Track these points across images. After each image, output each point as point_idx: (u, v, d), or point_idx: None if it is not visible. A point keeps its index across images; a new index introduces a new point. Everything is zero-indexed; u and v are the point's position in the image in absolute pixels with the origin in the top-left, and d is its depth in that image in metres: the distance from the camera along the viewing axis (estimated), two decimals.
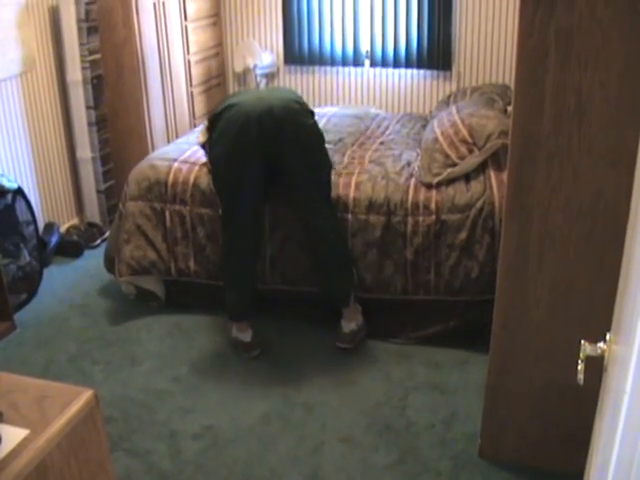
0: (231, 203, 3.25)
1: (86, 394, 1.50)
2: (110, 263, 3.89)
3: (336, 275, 3.39)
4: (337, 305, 3.45)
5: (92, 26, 4.46)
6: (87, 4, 4.39)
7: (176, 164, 3.77)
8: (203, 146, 3.36)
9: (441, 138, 3.55)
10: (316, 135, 3.30)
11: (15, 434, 1.38)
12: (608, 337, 1.41)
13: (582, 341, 1.41)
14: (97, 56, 4.56)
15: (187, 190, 3.64)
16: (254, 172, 3.18)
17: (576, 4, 2.00)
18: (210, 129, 3.25)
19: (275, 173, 3.27)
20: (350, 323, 3.42)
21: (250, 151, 3.13)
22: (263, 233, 3.47)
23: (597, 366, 1.44)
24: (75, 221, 4.92)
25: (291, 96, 3.30)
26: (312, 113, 3.33)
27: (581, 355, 1.40)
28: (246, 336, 3.40)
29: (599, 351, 1.39)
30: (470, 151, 3.42)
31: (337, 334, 3.44)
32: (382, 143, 4.17)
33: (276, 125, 3.12)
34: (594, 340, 1.43)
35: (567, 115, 2.12)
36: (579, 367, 1.39)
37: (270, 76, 5.91)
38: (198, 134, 3.32)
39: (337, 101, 5.78)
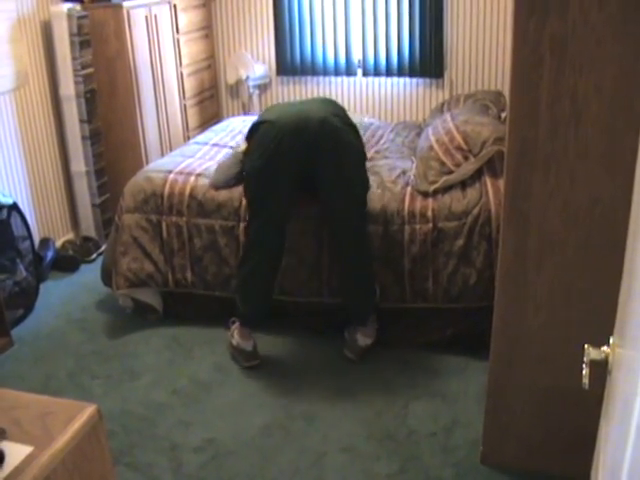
0: (259, 215, 3.25)
1: (89, 409, 1.50)
2: (107, 276, 3.88)
3: (360, 292, 3.39)
4: (357, 320, 3.44)
5: (84, 40, 4.46)
6: (79, 18, 4.39)
7: (172, 175, 3.77)
8: (244, 154, 3.37)
9: (436, 146, 3.56)
10: (354, 152, 3.28)
11: (19, 451, 1.37)
12: (612, 341, 1.41)
13: (586, 345, 1.40)
14: (90, 70, 4.56)
15: (183, 201, 3.64)
16: (284, 188, 3.20)
17: (570, 10, 2.01)
18: (249, 139, 3.28)
19: (308, 187, 3.28)
20: (367, 338, 3.42)
21: (283, 167, 3.15)
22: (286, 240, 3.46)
23: (599, 370, 1.44)
24: (70, 235, 4.91)
25: (331, 109, 3.27)
26: (354, 127, 3.30)
27: (585, 359, 1.40)
28: (248, 345, 3.39)
29: (603, 355, 1.39)
30: (465, 158, 3.43)
31: (348, 344, 3.44)
32: (377, 152, 4.18)
33: (312, 142, 3.12)
34: (594, 344, 1.43)
35: (563, 120, 2.12)
36: (584, 371, 1.39)
37: (263, 87, 5.92)
38: (240, 143, 3.38)
39: None
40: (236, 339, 3.43)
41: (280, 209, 3.26)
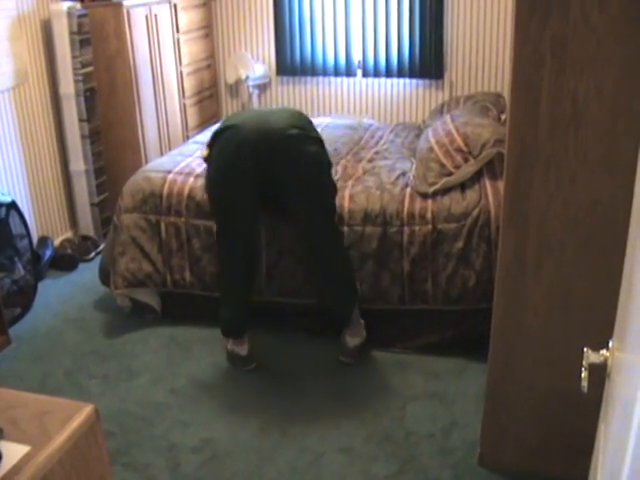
0: (224, 222, 3.23)
1: (87, 409, 1.49)
2: (105, 276, 3.87)
3: (338, 293, 3.37)
4: (340, 322, 3.43)
5: (84, 39, 4.46)
6: (79, 17, 4.39)
7: (171, 175, 3.77)
8: (205, 160, 3.29)
9: (436, 147, 3.55)
10: (317, 163, 3.21)
11: (16, 450, 1.37)
12: (611, 344, 1.41)
13: (585, 348, 1.40)
14: (90, 69, 4.56)
15: (182, 201, 3.64)
16: (247, 196, 3.16)
17: (570, 11, 2.01)
18: (211, 146, 3.20)
19: (273, 196, 3.25)
20: (354, 338, 3.41)
21: (244, 176, 3.11)
22: (259, 247, 3.46)
23: (597, 373, 1.44)
24: (69, 234, 4.90)
25: (293, 121, 3.20)
26: (317, 139, 3.24)
27: (584, 363, 1.39)
28: (242, 349, 3.38)
29: (602, 358, 1.39)
30: (465, 160, 3.43)
31: (341, 348, 3.43)
32: (376, 153, 4.17)
33: (271, 152, 3.09)
34: (594, 347, 1.43)
35: (563, 122, 2.12)
36: (583, 375, 1.38)
37: (262, 87, 5.92)
38: (202, 148, 3.29)
39: (330, 111, 5.79)
40: (231, 344, 3.41)
41: (246, 216, 3.22)
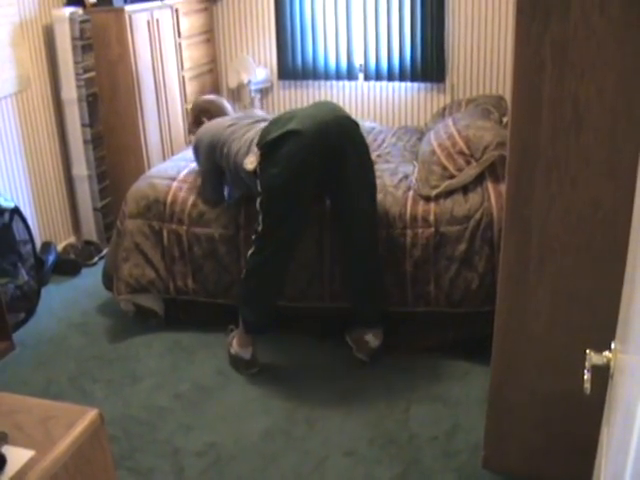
0: (278, 229, 3.20)
1: (91, 413, 1.50)
2: (109, 281, 3.88)
3: (375, 294, 3.40)
4: (369, 323, 3.43)
5: (86, 44, 4.47)
6: (81, 22, 4.40)
7: (175, 183, 3.78)
8: (255, 173, 3.21)
9: (438, 150, 3.56)
10: (367, 147, 3.34)
11: (20, 455, 1.37)
12: (613, 346, 1.41)
13: (588, 350, 1.40)
14: (92, 74, 4.57)
15: (185, 210, 3.64)
16: (308, 199, 3.22)
17: (571, 14, 2.01)
18: (263, 155, 3.15)
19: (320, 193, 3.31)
20: (377, 339, 3.42)
21: (309, 177, 3.15)
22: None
23: (600, 375, 1.44)
24: (72, 239, 4.91)
25: (342, 112, 3.30)
26: (357, 124, 3.31)
27: (587, 364, 1.39)
28: (247, 353, 3.38)
29: (605, 360, 1.39)
30: (467, 163, 3.43)
31: (359, 346, 3.43)
32: (379, 156, 4.18)
33: (336, 146, 3.14)
34: (596, 349, 1.43)
35: (564, 125, 2.12)
36: (585, 376, 1.39)
37: (264, 91, 5.93)
38: (248, 161, 3.20)
39: None
40: (234, 348, 3.42)
41: (301, 221, 3.26)
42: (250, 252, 3.28)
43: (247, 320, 3.37)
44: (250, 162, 3.19)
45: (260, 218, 3.18)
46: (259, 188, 3.15)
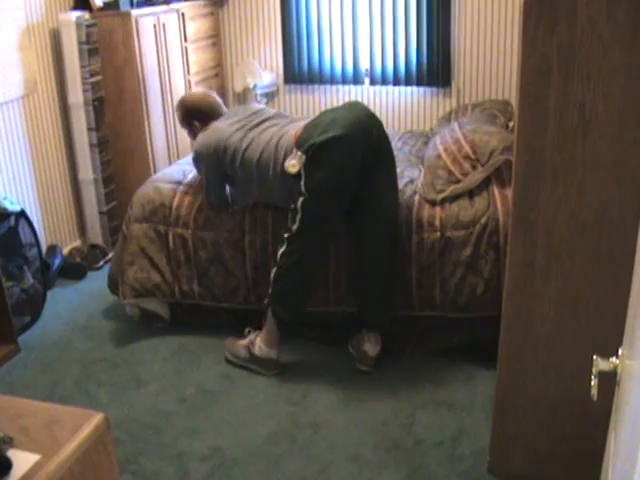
0: (320, 223, 3.23)
1: (96, 417, 1.49)
2: (114, 285, 3.88)
3: (388, 297, 3.42)
4: (374, 328, 3.43)
5: (93, 48, 4.48)
6: (88, 26, 4.41)
7: (181, 187, 3.77)
8: (297, 175, 3.21)
9: (444, 155, 3.55)
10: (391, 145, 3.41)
11: (26, 459, 1.37)
12: (620, 352, 1.41)
13: (595, 356, 1.40)
14: (98, 78, 4.58)
15: (190, 214, 3.64)
16: (347, 201, 3.24)
17: (577, 20, 2.01)
18: (308, 159, 3.15)
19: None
20: (376, 347, 3.41)
21: (351, 180, 3.19)
22: (270, 255, 3.47)
23: (606, 380, 1.44)
24: (78, 243, 4.92)
25: (373, 113, 3.37)
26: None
27: (594, 370, 1.39)
28: (274, 353, 3.40)
29: (611, 366, 1.39)
30: (473, 167, 3.43)
31: (359, 357, 3.42)
32: None
33: (375, 148, 3.22)
34: (603, 354, 1.43)
35: (571, 130, 2.12)
36: (592, 382, 1.38)
37: (270, 95, 5.93)
38: (290, 165, 3.20)
39: None
40: (261, 348, 3.39)
41: (338, 223, 3.32)
42: (282, 250, 3.26)
43: (280, 318, 3.37)
44: (292, 165, 3.19)
45: (298, 217, 3.19)
46: (303, 189, 3.15)
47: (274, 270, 3.31)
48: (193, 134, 3.78)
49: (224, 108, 3.86)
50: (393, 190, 3.40)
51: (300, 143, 3.20)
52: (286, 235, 3.23)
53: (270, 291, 3.34)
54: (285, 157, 3.24)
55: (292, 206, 3.20)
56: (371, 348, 3.40)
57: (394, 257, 3.39)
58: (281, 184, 3.31)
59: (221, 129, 3.54)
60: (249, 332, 3.51)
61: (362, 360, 3.41)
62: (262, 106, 3.91)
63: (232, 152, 3.42)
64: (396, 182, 3.43)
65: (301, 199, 3.15)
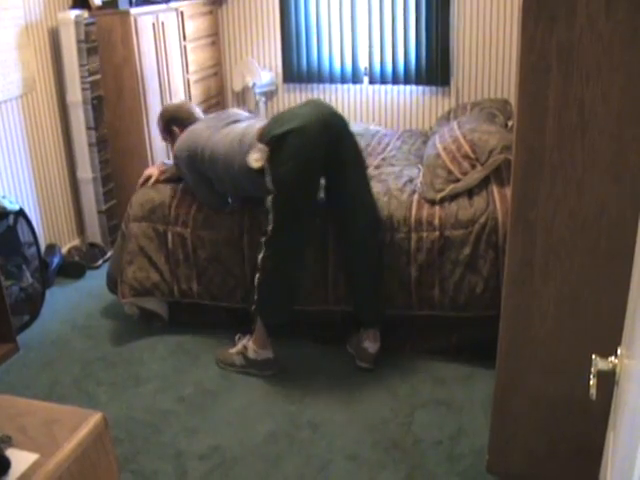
0: (291, 225, 3.22)
1: (95, 417, 1.50)
2: (113, 284, 3.87)
3: (374, 294, 3.42)
4: (370, 324, 3.43)
5: (92, 47, 4.48)
6: (86, 25, 4.41)
7: (181, 186, 3.77)
8: (261, 171, 3.21)
9: (443, 154, 3.55)
10: (358, 142, 3.40)
11: (25, 458, 1.37)
12: (619, 351, 1.40)
13: (593, 355, 1.40)
14: (97, 77, 4.58)
15: (190, 212, 3.64)
16: (316, 191, 3.26)
17: (577, 19, 2.01)
18: (271, 151, 3.16)
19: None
20: (375, 344, 3.42)
21: (317, 171, 3.21)
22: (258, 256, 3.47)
23: (605, 380, 1.44)
24: (76, 242, 4.92)
25: (335, 110, 3.38)
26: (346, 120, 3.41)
27: (593, 369, 1.39)
28: (270, 352, 3.40)
29: (610, 365, 1.39)
30: (473, 166, 3.43)
31: (359, 354, 3.43)
32: (383, 160, 4.18)
33: (336, 140, 3.21)
34: (602, 354, 1.43)
35: (570, 129, 2.12)
36: (591, 382, 1.38)
37: (269, 94, 5.93)
38: (252, 159, 3.21)
39: None
40: (255, 352, 3.39)
41: (312, 218, 3.30)
42: (262, 255, 3.26)
43: (268, 323, 3.38)
44: (255, 159, 3.20)
45: (271, 217, 3.18)
46: (270, 186, 3.15)
47: (257, 276, 3.31)
48: (173, 142, 3.80)
49: (202, 115, 3.92)
50: (366, 188, 3.40)
51: (262, 136, 3.21)
52: (263, 239, 3.24)
53: (255, 297, 3.35)
54: (248, 152, 3.25)
55: (265, 207, 3.21)
56: (370, 345, 3.40)
57: (379, 254, 3.39)
58: (247, 179, 3.32)
59: (194, 130, 3.60)
60: (239, 338, 3.50)
61: (362, 357, 3.41)
62: (240, 111, 3.96)
63: (201, 150, 3.46)
64: (367, 180, 3.42)
65: (270, 197, 3.17)
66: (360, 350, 3.42)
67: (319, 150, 3.15)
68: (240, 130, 3.41)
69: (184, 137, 3.61)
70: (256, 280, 3.32)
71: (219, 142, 3.41)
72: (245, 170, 3.27)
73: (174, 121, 3.83)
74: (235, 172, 3.34)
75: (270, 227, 3.18)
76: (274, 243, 3.23)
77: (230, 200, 3.63)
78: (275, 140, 3.13)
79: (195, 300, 3.72)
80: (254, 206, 3.54)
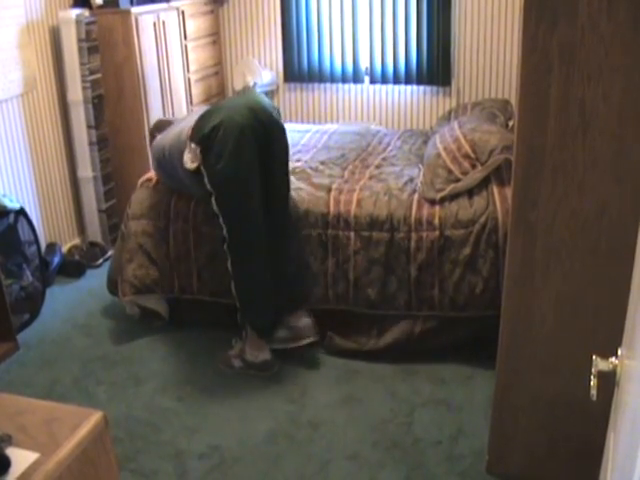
0: (247, 218, 3.23)
1: (95, 416, 1.49)
2: (113, 286, 3.85)
3: (298, 273, 3.52)
4: (299, 306, 3.49)
5: (92, 46, 4.48)
6: (87, 24, 4.41)
7: None
8: (196, 172, 3.20)
9: (444, 154, 3.55)
10: (286, 134, 3.43)
11: (25, 457, 1.37)
12: (620, 352, 1.40)
13: (594, 356, 1.40)
14: (98, 76, 4.58)
15: (190, 208, 3.64)
16: (257, 183, 3.23)
17: (578, 19, 2.01)
18: (203, 151, 3.13)
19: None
20: (303, 318, 3.45)
21: (253, 162, 3.18)
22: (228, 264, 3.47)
23: (606, 380, 1.44)
24: (77, 241, 4.91)
25: (261, 97, 3.43)
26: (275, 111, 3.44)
27: (593, 370, 1.39)
28: (267, 353, 3.40)
29: (611, 366, 1.39)
30: (473, 166, 3.42)
31: (295, 334, 3.45)
32: (384, 159, 4.18)
33: (267, 129, 3.24)
34: (602, 354, 1.43)
35: (571, 129, 2.12)
36: (592, 382, 1.38)
37: (270, 94, 5.93)
38: (187, 160, 3.18)
39: (337, 118, 5.80)
40: (252, 354, 3.39)
41: (261, 211, 3.27)
42: (229, 262, 3.29)
43: (257, 327, 3.38)
44: (191, 160, 3.17)
45: (221, 221, 3.20)
46: (209, 187, 3.15)
47: (232, 284, 3.34)
48: None
49: None
50: (286, 174, 3.48)
51: (192, 136, 3.19)
52: (225, 246, 3.25)
53: (238, 305, 3.37)
54: (183, 151, 3.25)
55: (212, 212, 3.24)
56: (300, 320, 3.43)
57: (287, 242, 3.50)
58: (190, 180, 3.33)
59: (166, 132, 3.67)
60: (236, 342, 3.50)
61: (302, 334, 3.43)
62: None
63: (160, 152, 3.55)
64: (287, 169, 3.48)
65: (213, 199, 3.17)
66: (294, 330, 3.44)
67: (251, 141, 3.14)
68: (184, 127, 3.41)
69: (155, 141, 3.70)
70: (233, 289, 3.34)
71: (168, 142, 3.47)
72: (186, 171, 3.24)
73: (158, 128, 3.89)
74: (179, 173, 3.37)
75: (225, 230, 3.21)
76: (236, 247, 3.25)
77: None
78: (205, 138, 3.11)
79: (195, 296, 3.72)
80: None
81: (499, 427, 2.62)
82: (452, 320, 3.41)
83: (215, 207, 3.18)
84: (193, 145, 3.14)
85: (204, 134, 3.10)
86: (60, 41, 4.48)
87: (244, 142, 3.11)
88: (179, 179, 3.47)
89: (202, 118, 3.21)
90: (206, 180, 3.13)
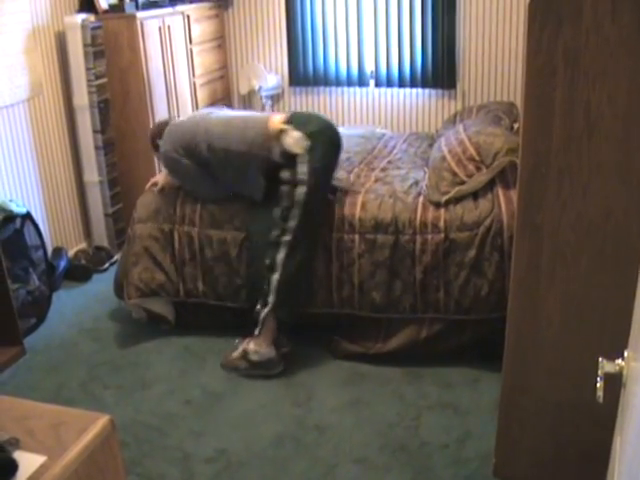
0: (316, 214, 3.42)
1: (102, 420, 1.49)
2: (120, 289, 3.86)
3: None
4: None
5: (98, 50, 4.49)
6: (93, 29, 4.42)
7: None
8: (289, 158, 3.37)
9: (449, 156, 3.55)
10: None
11: (32, 461, 1.37)
12: (626, 354, 1.40)
13: (600, 358, 1.40)
14: (103, 80, 4.59)
15: (196, 211, 3.65)
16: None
17: (583, 22, 2.01)
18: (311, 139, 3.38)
19: None
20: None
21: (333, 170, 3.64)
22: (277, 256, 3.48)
23: (612, 383, 1.43)
24: (83, 245, 4.93)
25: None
26: None
27: (599, 372, 1.39)
28: (273, 351, 3.40)
29: (617, 368, 1.38)
30: (478, 169, 3.42)
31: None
32: (389, 162, 4.17)
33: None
34: (608, 357, 1.42)
35: (576, 132, 2.12)
36: (598, 385, 1.38)
37: (275, 98, 5.94)
38: (291, 143, 3.36)
39: (343, 121, 5.80)
40: (260, 352, 3.38)
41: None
42: (283, 255, 3.31)
43: (285, 321, 3.43)
44: (295, 144, 3.35)
45: (297, 213, 3.29)
46: (304, 176, 3.31)
47: (276, 278, 3.33)
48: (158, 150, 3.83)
49: None
50: None
51: (294, 123, 3.42)
52: (287, 238, 3.25)
53: (274, 299, 3.35)
54: (269, 137, 3.40)
55: (284, 203, 3.30)
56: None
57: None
58: (254, 165, 3.45)
59: (178, 126, 3.69)
60: (239, 342, 3.50)
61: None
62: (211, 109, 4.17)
63: (199, 143, 3.53)
64: None
65: (303, 190, 3.26)
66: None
67: (339, 152, 3.52)
68: (240, 117, 3.62)
69: (166, 137, 3.65)
70: (274, 281, 3.34)
71: (225, 134, 3.50)
72: (260, 157, 3.42)
73: (157, 135, 3.86)
74: (242, 159, 3.46)
75: (294, 224, 3.25)
76: (298, 243, 3.28)
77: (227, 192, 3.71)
78: (317, 134, 3.36)
79: (200, 300, 3.72)
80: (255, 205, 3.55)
81: (506, 430, 2.61)
82: (458, 323, 3.41)
83: (300, 198, 3.30)
84: (298, 134, 3.34)
85: (315, 131, 3.40)
86: (66, 46, 4.49)
87: (337, 152, 3.56)
88: (224, 166, 3.56)
89: (298, 116, 3.59)
90: (305, 169, 3.30)
